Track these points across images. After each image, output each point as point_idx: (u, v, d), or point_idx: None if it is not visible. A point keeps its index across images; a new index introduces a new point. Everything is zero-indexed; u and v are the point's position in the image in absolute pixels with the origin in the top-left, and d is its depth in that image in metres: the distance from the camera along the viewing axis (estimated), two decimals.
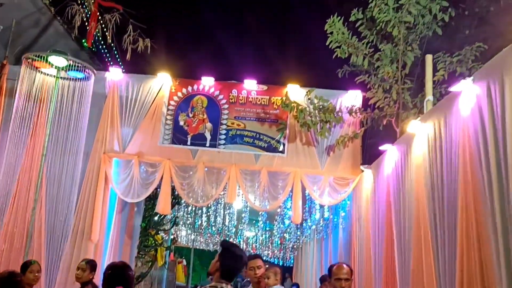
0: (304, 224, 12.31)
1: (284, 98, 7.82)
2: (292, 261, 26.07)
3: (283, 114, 8.88)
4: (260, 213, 14.10)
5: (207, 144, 8.62)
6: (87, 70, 8.02)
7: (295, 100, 7.85)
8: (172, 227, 13.89)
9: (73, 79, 8.26)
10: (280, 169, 8.44)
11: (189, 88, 8.89)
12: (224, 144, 8.57)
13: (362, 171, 8.30)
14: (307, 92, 7.65)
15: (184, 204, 13.15)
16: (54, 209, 8.06)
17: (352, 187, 8.33)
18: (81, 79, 8.17)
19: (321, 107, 7.83)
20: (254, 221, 17.43)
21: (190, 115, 8.87)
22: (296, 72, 7.87)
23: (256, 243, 21.36)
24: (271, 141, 8.70)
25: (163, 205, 8.58)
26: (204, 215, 14.43)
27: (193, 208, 14.02)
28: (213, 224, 15.62)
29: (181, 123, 8.76)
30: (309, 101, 7.82)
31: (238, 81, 8.93)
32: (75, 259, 7.74)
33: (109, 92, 8.74)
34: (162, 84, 8.85)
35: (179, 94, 8.86)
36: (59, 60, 7.65)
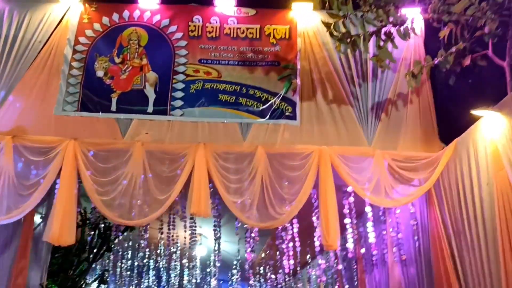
0: (309, 267, 7.94)
1: None
2: None
3: (289, 52, 5.05)
4: (234, 262, 9.72)
5: (149, 110, 5.00)
6: None
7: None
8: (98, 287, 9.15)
9: None
10: (290, 149, 4.81)
11: (115, 16, 5.49)
12: (181, 107, 4.85)
13: (443, 146, 4.41)
14: None
15: (120, 251, 8.57)
16: None
17: (440, 169, 4.29)
18: None
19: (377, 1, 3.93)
20: (221, 282, 13.08)
21: (117, 60, 5.09)
22: None
23: None
24: (270, 98, 4.73)
25: (59, 227, 4.24)
26: (151, 271, 9.81)
27: (135, 260, 9.41)
28: (165, 285, 11.06)
29: (100, 73, 5.02)
30: None
31: (202, 4, 5.18)
32: None
33: None
34: (65, 11, 5.42)
35: (97, 26, 5.40)
36: None
